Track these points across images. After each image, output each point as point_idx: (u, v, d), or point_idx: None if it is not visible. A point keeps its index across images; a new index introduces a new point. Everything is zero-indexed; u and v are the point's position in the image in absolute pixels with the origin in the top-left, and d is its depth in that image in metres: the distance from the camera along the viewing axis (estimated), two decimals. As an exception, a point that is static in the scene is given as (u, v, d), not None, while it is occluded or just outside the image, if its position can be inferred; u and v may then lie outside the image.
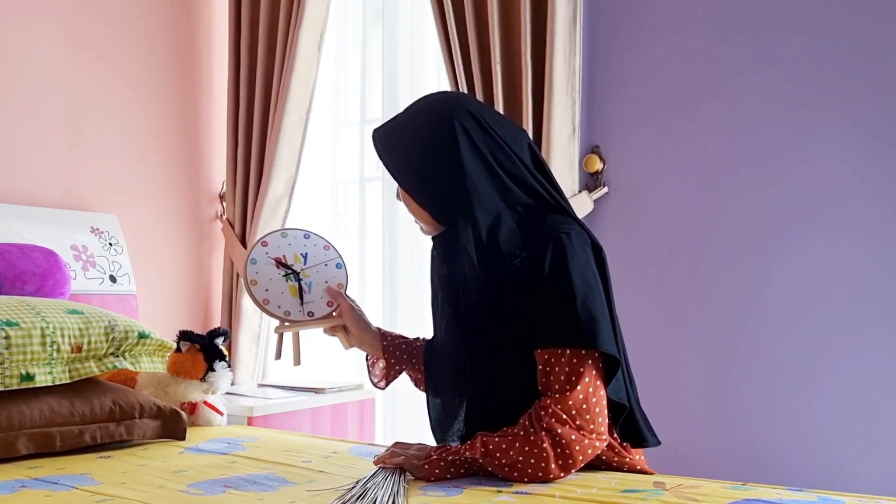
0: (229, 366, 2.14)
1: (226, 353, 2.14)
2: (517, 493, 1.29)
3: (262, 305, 1.60)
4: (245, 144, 2.98)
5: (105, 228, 2.64)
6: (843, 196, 2.07)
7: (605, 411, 1.38)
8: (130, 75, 2.85)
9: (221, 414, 2.12)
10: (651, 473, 1.48)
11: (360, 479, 1.38)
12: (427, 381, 1.61)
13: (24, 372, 1.74)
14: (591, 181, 2.41)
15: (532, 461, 1.34)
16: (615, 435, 1.47)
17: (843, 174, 2.07)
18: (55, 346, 1.80)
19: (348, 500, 1.26)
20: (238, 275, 2.95)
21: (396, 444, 1.51)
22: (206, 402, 2.09)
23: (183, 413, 1.95)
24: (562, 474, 1.36)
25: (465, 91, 2.41)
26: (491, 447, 1.37)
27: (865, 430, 2.03)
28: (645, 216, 2.34)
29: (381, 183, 2.90)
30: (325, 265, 1.68)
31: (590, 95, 2.42)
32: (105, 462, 1.69)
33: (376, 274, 2.90)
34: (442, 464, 1.39)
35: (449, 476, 1.39)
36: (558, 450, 1.33)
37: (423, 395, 1.65)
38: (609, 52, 2.41)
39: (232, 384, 2.49)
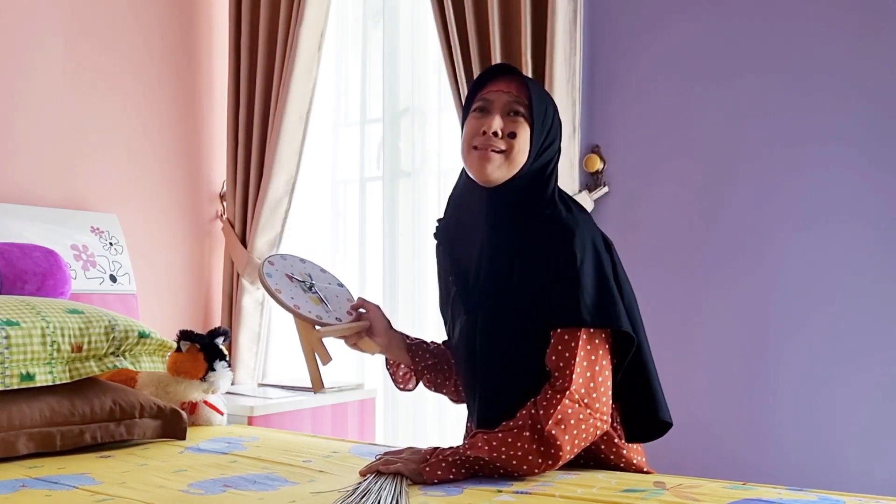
0: (229, 365, 2.14)
1: (226, 352, 2.14)
2: (517, 492, 1.29)
3: (294, 310, 1.54)
4: (245, 144, 2.98)
5: (105, 228, 2.64)
6: (845, 195, 2.07)
7: (609, 392, 1.40)
8: (131, 75, 2.85)
9: (222, 413, 2.12)
10: (650, 473, 1.48)
11: (363, 480, 1.38)
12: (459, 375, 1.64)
13: (24, 371, 1.74)
14: (591, 181, 2.41)
15: (542, 449, 1.34)
16: (615, 425, 1.47)
17: (844, 174, 2.07)
18: (55, 346, 1.80)
19: (350, 501, 1.26)
20: (238, 274, 2.95)
21: (387, 453, 1.49)
22: (206, 402, 2.09)
23: (183, 413, 1.95)
24: (570, 456, 1.36)
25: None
26: (495, 443, 1.36)
27: (865, 430, 2.03)
28: (645, 216, 2.34)
29: (381, 183, 2.90)
30: (329, 284, 1.70)
31: (590, 95, 2.42)
32: (105, 462, 1.69)
33: (376, 274, 2.90)
34: (443, 465, 1.37)
35: (451, 477, 1.37)
36: (566, 436, 1.34)
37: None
38: (609, 52, 2.41)
39: (232, 384, 2.49)
